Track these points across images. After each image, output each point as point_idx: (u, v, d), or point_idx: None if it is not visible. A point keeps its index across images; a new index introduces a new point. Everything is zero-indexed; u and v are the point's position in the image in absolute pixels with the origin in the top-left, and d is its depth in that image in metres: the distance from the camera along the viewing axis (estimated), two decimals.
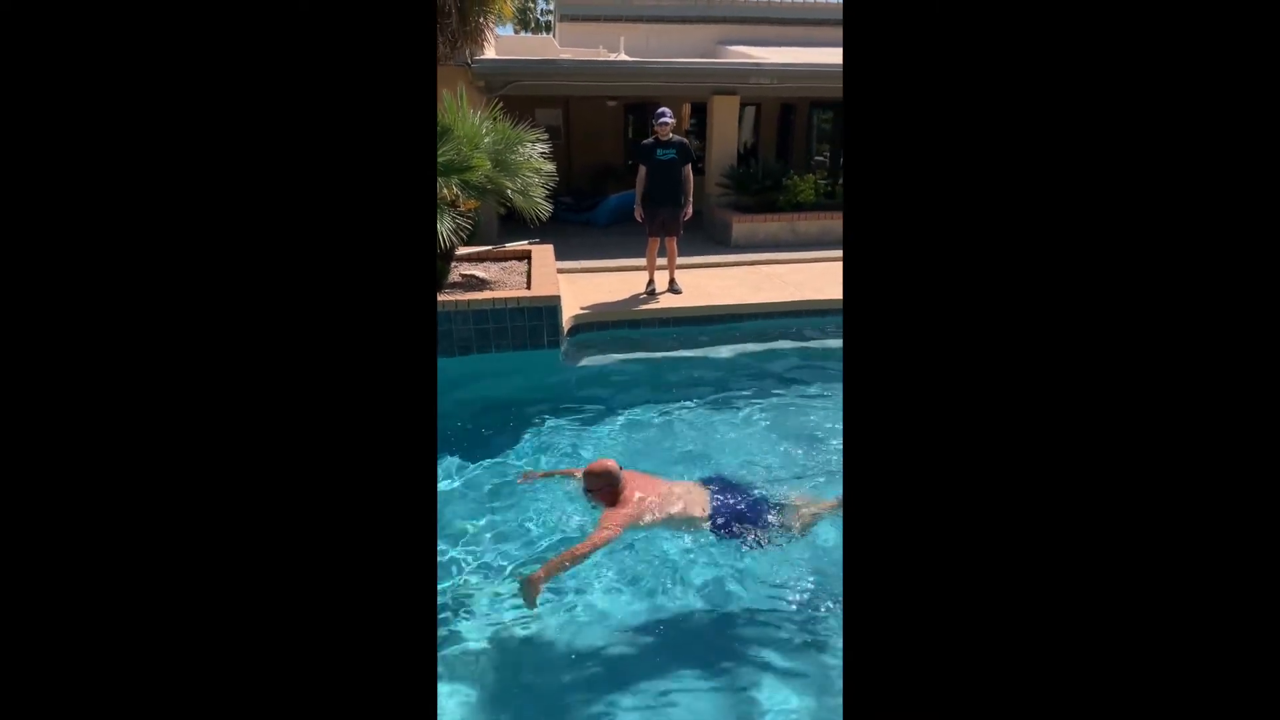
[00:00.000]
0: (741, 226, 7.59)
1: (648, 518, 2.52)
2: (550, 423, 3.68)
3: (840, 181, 8.48)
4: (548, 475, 2.99)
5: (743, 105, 8.63)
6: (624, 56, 10.04)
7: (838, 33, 12.16)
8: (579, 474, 2.80)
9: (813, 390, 4.19)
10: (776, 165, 8.39)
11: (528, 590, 2.24)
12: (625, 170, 10.43)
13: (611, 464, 2.61)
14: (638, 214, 5.49)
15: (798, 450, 3.39)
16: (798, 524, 2.58)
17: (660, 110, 5.33)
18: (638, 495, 2.55)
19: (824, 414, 3.82)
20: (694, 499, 2.65)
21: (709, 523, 2.56)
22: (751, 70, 7.87)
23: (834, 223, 7.78)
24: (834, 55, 9.81)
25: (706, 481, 2.80)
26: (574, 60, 8.28)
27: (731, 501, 2.65)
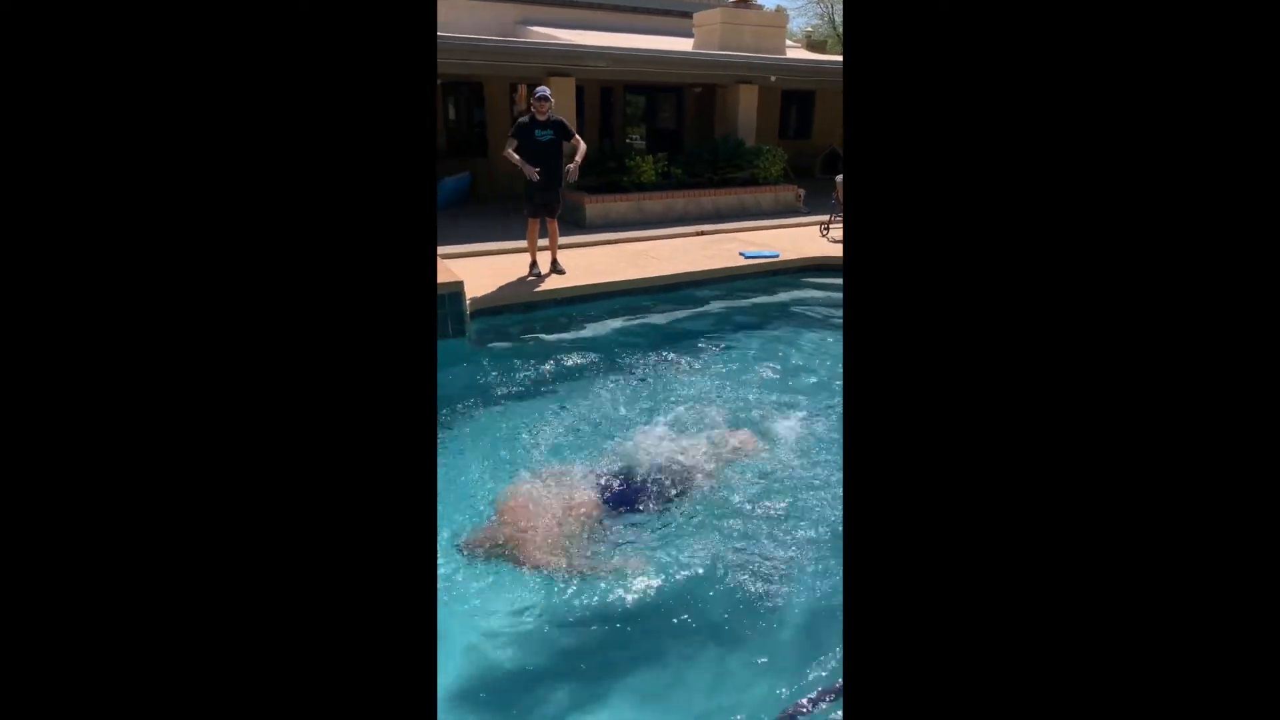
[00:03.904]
0: (595, 207, 7.74)
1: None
2: (473, 416, 3.52)
3: (671, 162, 8.99)
4: None
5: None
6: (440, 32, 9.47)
7: (633, 19, 12.70)
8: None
9: (734, 354, 4.53)
10: (620, 147, 8.62)
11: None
12: (448, 154, 9.92)
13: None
14: (531, 174, 5.24)
15: (739, 405, 3.65)
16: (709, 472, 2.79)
17: (539, 90, 5.27)
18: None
19: (749, 370, 4.19)
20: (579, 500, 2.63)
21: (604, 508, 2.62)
22: (586, 53, 7.98)
23: (673, 201, 8.28)
24: (642, 41, 10.28)
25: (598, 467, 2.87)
26: None
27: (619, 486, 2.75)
